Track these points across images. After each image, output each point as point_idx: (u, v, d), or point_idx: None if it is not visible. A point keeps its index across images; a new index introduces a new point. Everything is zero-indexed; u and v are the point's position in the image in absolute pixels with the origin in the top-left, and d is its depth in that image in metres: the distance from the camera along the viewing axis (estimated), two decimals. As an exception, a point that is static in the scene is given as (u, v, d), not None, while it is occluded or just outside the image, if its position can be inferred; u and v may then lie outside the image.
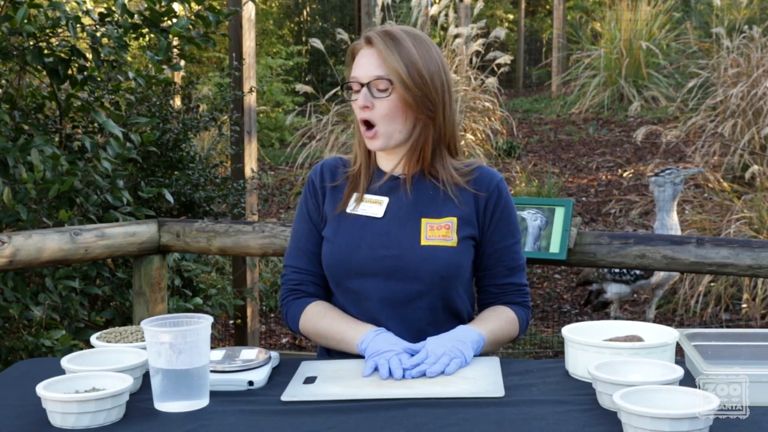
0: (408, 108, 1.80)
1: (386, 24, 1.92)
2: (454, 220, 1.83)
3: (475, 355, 1.68)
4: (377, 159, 1.91)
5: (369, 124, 1.82)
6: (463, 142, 6.69)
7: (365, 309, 1.83)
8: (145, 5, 3.06)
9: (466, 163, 1.90)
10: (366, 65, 1.80)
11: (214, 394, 1.48)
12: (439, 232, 1.81)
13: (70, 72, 3.04)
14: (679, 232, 4.31)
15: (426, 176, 1.87)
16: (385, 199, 1.86)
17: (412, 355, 1.64)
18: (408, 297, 1.81)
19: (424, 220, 1.83)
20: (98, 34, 3.04)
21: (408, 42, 1.80)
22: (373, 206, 1.86)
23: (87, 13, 3.04)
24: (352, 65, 1.85)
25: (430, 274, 1.79)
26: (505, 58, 6.97)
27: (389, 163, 1.89)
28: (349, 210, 1.87)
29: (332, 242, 1.86)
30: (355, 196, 1.88)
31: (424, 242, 1.80)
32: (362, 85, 1.80)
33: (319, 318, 1.85)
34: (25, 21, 2.75)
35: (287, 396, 1.49)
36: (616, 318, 4.58)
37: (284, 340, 4.88)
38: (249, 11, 4.40)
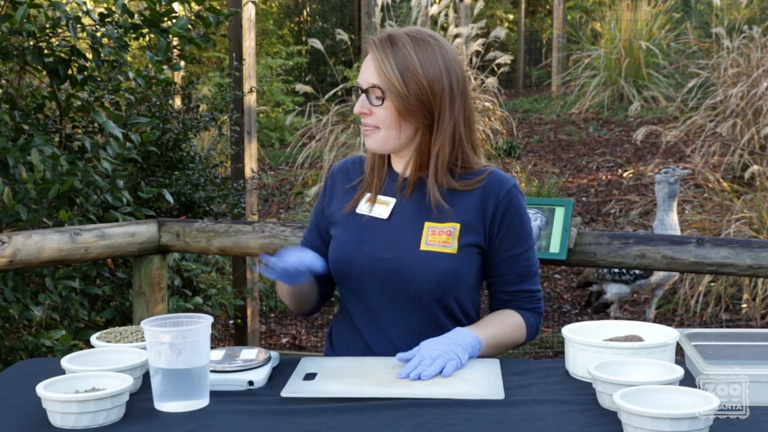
0: (404, 115, 1.77)
1: (387, 24, 1.90)
2: (457, 226, 1.80)
3: (471, 358, 1.67)
4: (391, 159, 1.90)
5: (366, 123, 1.82)
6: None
7: (369, 309, 1.83)
8: (145, 5, 3.06)
9: (479, 168, 1.85)
10: (365, 71, 1.80)
11: (214, 394, 1.48)
12: (439, 237, 1.79)
13: (70, 72, 3.04)
14: (678, 232, 4.31)
15: (433, 179, 1.84)
16: (392, 200, 1.85)
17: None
18: (405, 301, 1.80)
19: (426, 224, 1.81)
20: (98, 34, 3.04)
21: (408, 47, 1.75)
22: (381, 207, 1.85)
23: (87, 13, 3.04)
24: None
25: (427, 281, 1.78)
26: (505, 58, 6.98)
27: (400, 164, 1.88)
28: (359, 210, 1.87)
29: (338, 241, 1.87)
30: (367, 196, 1.87)
31: (423, 247, 1.78)
32: (362, 91, 1.80)
33: None
34: (25, 21, 2.75)
35: (287, 392, 1.48)
36: (616, 318, 4.58)
37: (284, 340, 4.88)
38: (249, 11, 4.40)
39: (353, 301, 1.86)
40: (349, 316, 1.88)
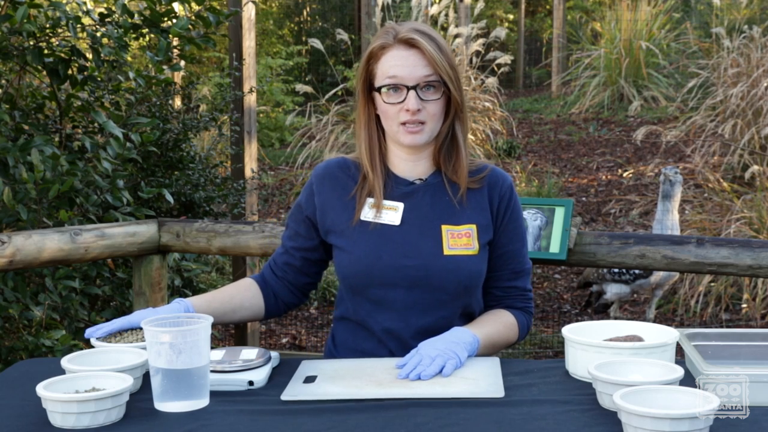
0: (449, 107, 1.80)
1: (407, 22, 1.85)
2: (474, 227, 1.81)
3: (470, 356, 1.67)
4: (391, 163, 1.86)
5: (413, 121, 1.76)
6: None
7: (386, 317, 1.81)
8: (145, 5, 3.07)
9: (478, 166, 1.87)
10: (412, 66, 1.74)
11: (214, 394, 1.48)
12: (460, 240, 1.79)
13: (70, 72, 3.04)
14: (677, 232, 4.31)
15: (443, 181, 1.84)
16: (401, 205, 1.82)
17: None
18: (431, 306, 1.80)
19: (444, 227, 1.80)
20: (98, 34, 3.04)
21: (441, 41, 1.78)
22: (389, 213, 1.81)
23: (87, 13, 3.04)
24: (376, 65, 1.78)
25: (455, 284, 1.78)
26: (505, 58, 6.99)
27: (407, 165, 1.84)
28: (363, 217, 1.82)
29: (350, 253, 1.81)
30: (370, 202, 1.82)
31: (447, 252, 1.78)
32: (408, 88, 1.74)
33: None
34: (25, 21, 2.75)
35: (287, 395, 1.48)
36: (616, 318, 4.58)
37: (284, 340, 4.88)
38: (249, 11, 4.40)
39: (370, 310, 1.82)
40: (365, 325, 1.84)
